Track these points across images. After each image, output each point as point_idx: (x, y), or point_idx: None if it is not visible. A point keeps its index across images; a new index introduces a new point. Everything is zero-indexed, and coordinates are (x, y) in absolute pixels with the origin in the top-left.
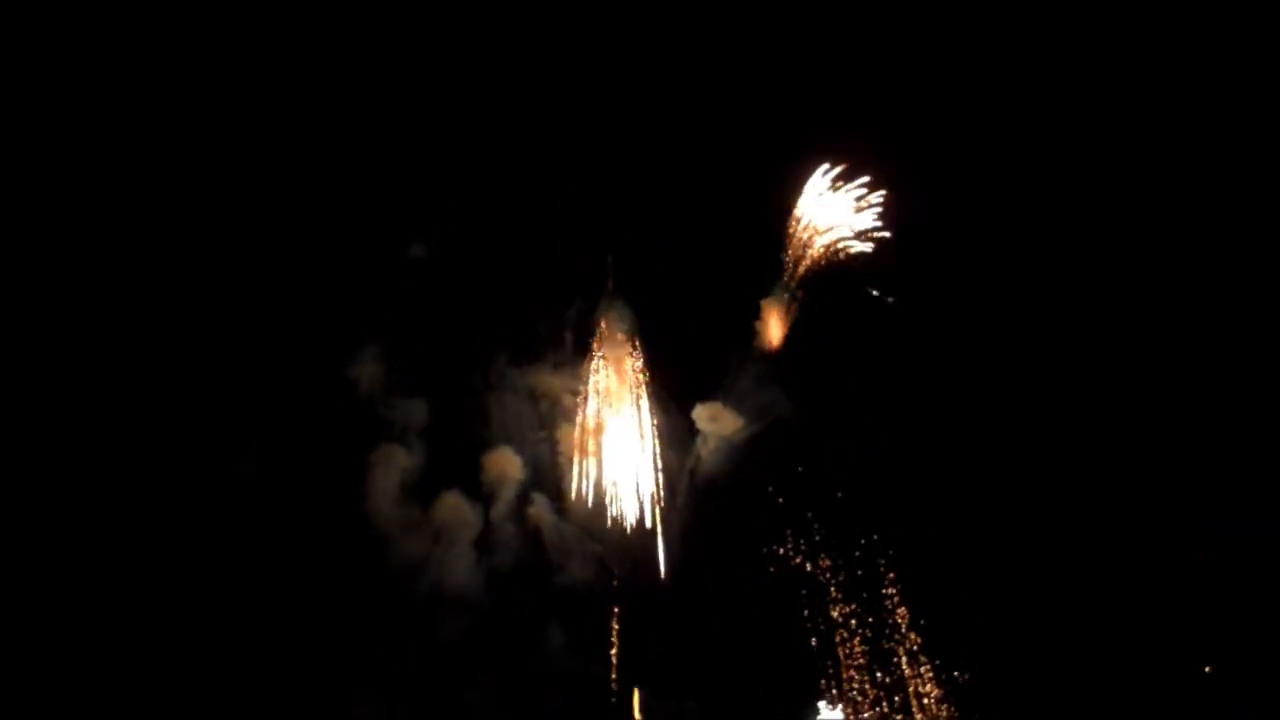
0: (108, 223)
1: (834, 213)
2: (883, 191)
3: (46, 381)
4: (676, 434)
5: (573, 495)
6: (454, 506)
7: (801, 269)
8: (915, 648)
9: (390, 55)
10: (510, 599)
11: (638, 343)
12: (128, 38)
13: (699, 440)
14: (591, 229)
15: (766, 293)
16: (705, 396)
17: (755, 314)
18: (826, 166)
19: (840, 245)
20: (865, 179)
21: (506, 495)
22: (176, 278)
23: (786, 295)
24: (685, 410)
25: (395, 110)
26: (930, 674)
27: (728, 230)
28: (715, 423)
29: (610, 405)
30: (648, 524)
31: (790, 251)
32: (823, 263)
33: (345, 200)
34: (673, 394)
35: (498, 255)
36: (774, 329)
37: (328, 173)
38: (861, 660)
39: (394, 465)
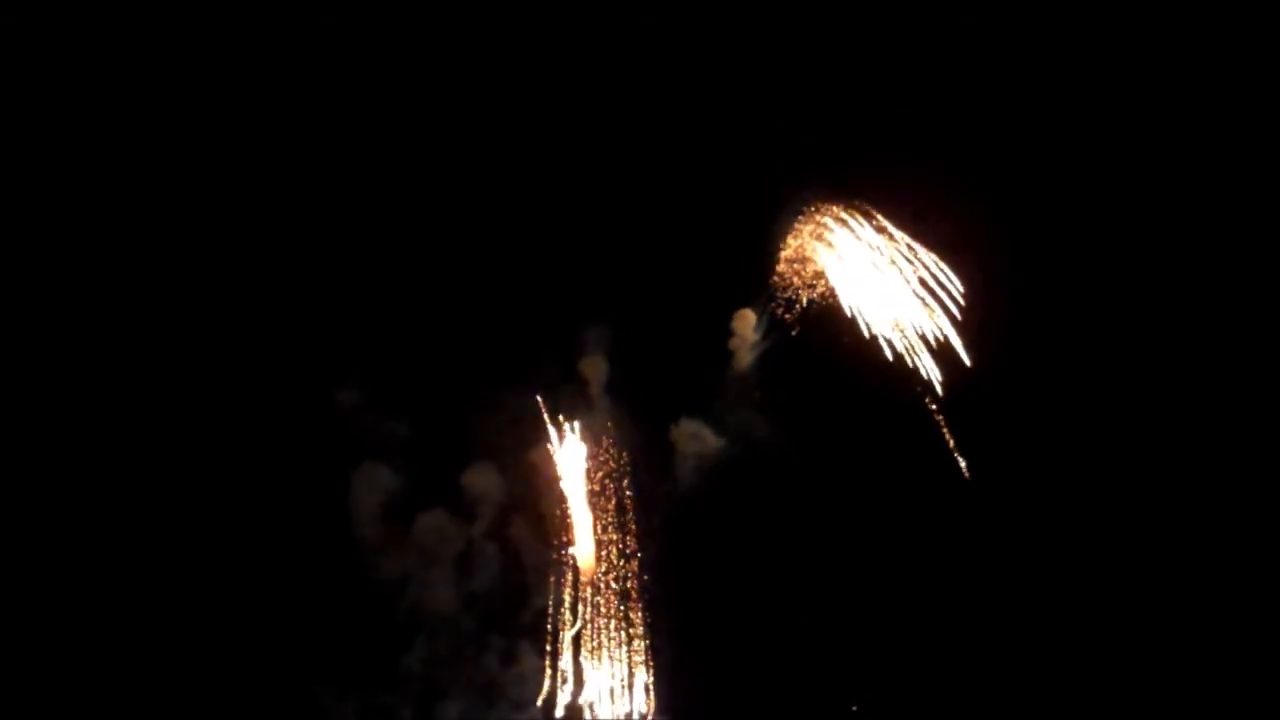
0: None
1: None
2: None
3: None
4: (654, 453)
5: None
6: (434, 525)
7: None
8: None
9: (381, 65)
10: (487, 618)
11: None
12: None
13: (676, 461)
14: (578, 234)
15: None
16: (687, 411)
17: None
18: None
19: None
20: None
21: (487, 514)
22: (158, 290)
23: (765, 320)
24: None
25: (381, 127)
26: None
27: (725, 232)
28: (694, 441)
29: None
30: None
31: (780, 286)
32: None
33: (331, 213)
34: (652, 407)
35: (482, 266)
36: (746, 350)
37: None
38: None
39: (376, 483)
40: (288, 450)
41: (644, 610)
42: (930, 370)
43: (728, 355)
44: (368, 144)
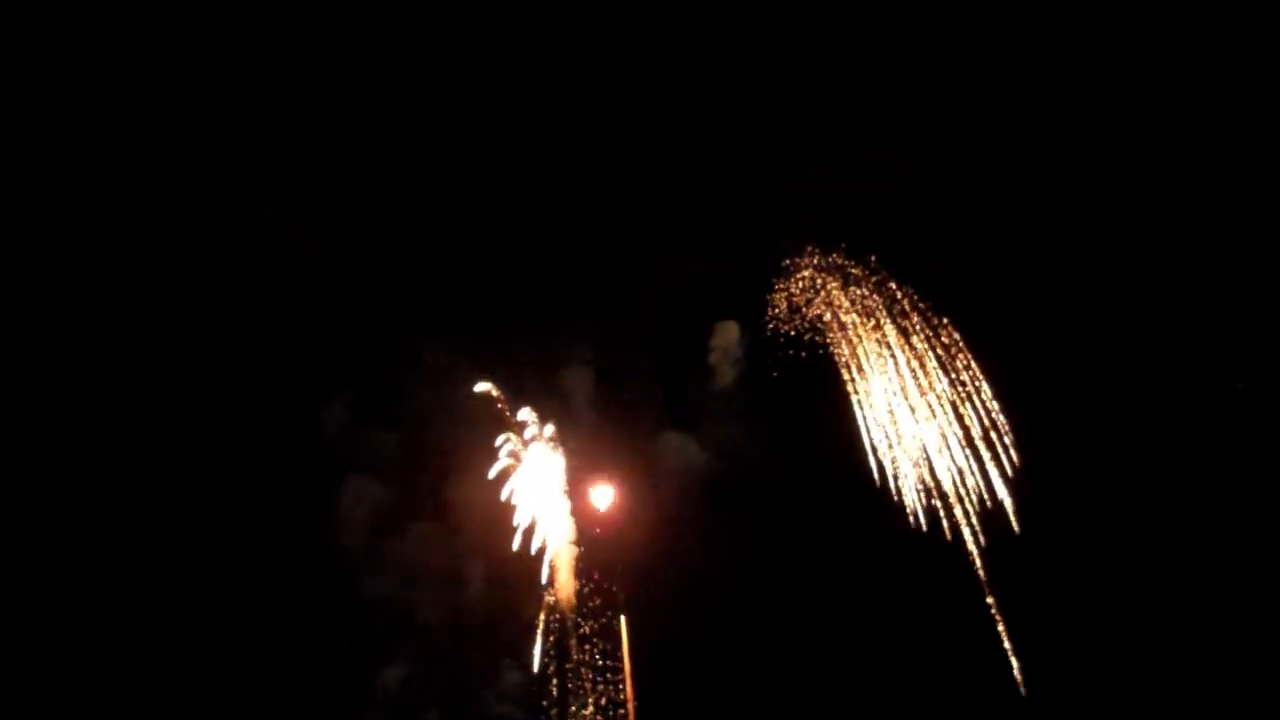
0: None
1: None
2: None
3: None
4: (640, 462)
5: None
6: (421, 538)
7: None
8: None
9: (369, 89)
10: (470, 633)
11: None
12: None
13: (662, 472)
14: (563, 243)
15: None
16: (676, 418)
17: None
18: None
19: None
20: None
21: (472, 529)
22: (148, 304)
23: (747, 338)
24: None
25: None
26: None
27: (718, 239)
28: (679, 454)
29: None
30: None
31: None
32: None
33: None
34: (640, 418)
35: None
36: (728, 365)
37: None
38: None
39: (364, 496)
40: (276, 465)
41: (626, 625)
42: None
43: (711, 370)
44: (356, 160)
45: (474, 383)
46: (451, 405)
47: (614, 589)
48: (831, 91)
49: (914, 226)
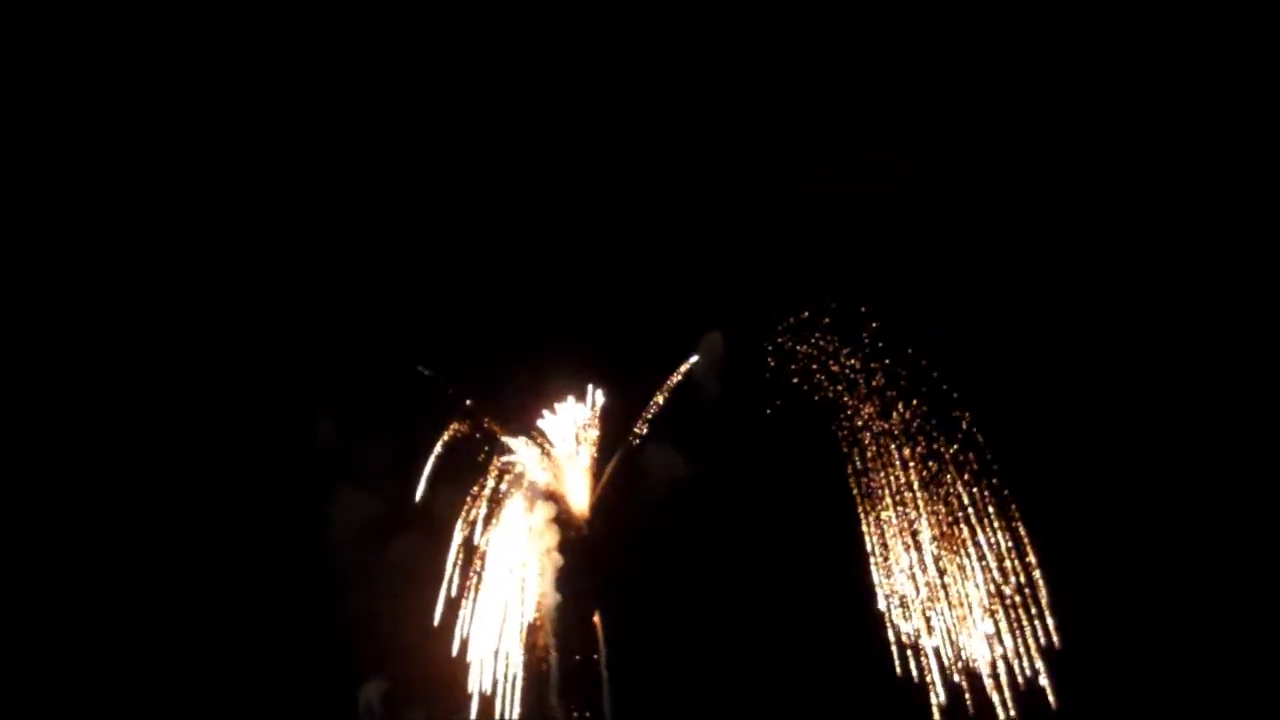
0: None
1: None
2: None
3: None
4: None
5: None
6: (407, 550)
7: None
8: None
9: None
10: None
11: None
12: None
13: (648, 485)
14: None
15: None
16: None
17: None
18: None
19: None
20: None
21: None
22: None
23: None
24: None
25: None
26: None
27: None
28: (663, 468)
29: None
30: None
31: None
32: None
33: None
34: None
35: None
36: (714, 378)
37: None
38: None
39: (351, 509)
40: (269, 474)
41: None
42: None
43: (698, 383)
44: (342, 176)
45: (461, 397)
46: (442, 417)
47: (594, 617)
48: (831, 91)
49: (914, 231)
